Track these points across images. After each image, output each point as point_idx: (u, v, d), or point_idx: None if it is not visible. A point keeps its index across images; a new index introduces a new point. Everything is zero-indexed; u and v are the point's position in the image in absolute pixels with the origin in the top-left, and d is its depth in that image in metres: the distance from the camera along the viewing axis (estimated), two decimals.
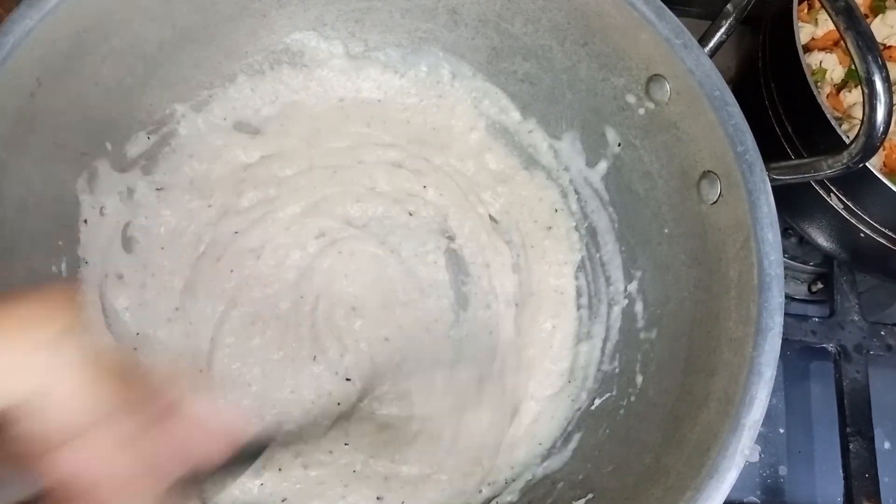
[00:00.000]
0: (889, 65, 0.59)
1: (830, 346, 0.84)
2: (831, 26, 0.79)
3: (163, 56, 0.69)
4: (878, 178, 0.66)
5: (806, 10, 0.82)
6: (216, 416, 0.39)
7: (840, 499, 0.77)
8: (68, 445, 0.33)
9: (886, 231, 0.73)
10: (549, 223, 0.80)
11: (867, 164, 0.60)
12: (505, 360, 0.76)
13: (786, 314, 0.55)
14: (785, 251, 0.88)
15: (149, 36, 0.67)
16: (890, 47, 0.80)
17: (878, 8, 0.81)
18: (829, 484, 0.84)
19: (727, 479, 0.52)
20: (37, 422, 0.33)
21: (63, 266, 0.67)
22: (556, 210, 0.80)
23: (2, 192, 0.59)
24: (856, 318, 0.86)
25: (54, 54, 0.60)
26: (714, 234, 0.62)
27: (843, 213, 0.75)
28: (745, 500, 0.83)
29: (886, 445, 0.86)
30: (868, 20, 0.80)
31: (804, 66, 0.70)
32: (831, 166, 0.58)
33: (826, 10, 0.54)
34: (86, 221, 0.68)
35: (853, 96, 0.77)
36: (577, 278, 0.79)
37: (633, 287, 0.73)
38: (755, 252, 0.57)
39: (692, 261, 0.65)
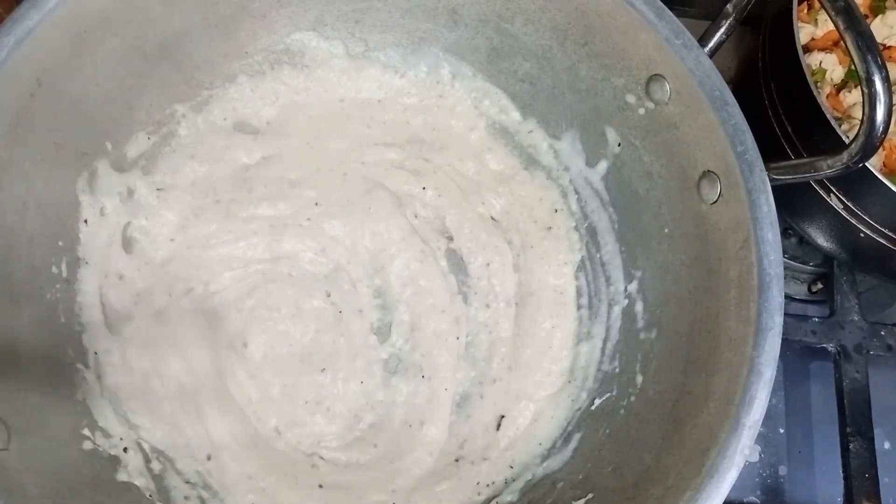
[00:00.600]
0: (889, 65, 0.59)
1: (830, 346, 0.84)
2: (831, 26, 0.79)
3: (163, 56, 0.69)
4: (878, 178, 0.66)
5: (806, 10, 0.82)
6: None
7: (840, 499, 0.77)
8: None
9: (886, 231, 0.73)
10: (549, 223, 0.80)
11: (867, 164, 0.60)
12: (503, 360, 0.76)
13: (786, 314, 0.55)
14: (785, 251, 0.88)
15: (149, 36, 0.67)
16: (890, 47, 0.80)
17: (878, 8, 0.81)
18: (829, 484, 0.84)
19: (727, 479, 0.52)
20: None
21: (63, 266, 0.67)
22: (556, 210, 0.80)
23: (2, 192, 0.59)
24: (856, 318, 0.86)
25: (54, 54, 0.60)
26: (714, 234, 0.62)
27: (843, 213, 0.75)
28: (745, 500, 0.83)
29: (886, 445, 0.86)
30: (868, 20, 0.80)
31: (804, 66, 0.70)
32: (831, 166, 0.58)
33: (826, 10, 0.54)
34: (86, 221, 0.68)
35: (853, 96, 0.77)
36: (577, 278, 0.79)
37: (633, 287, 0.73)
38: (755, 252, 0.57)
39: (692, 261, 0.65)
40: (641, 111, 0.68)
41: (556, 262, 0.79)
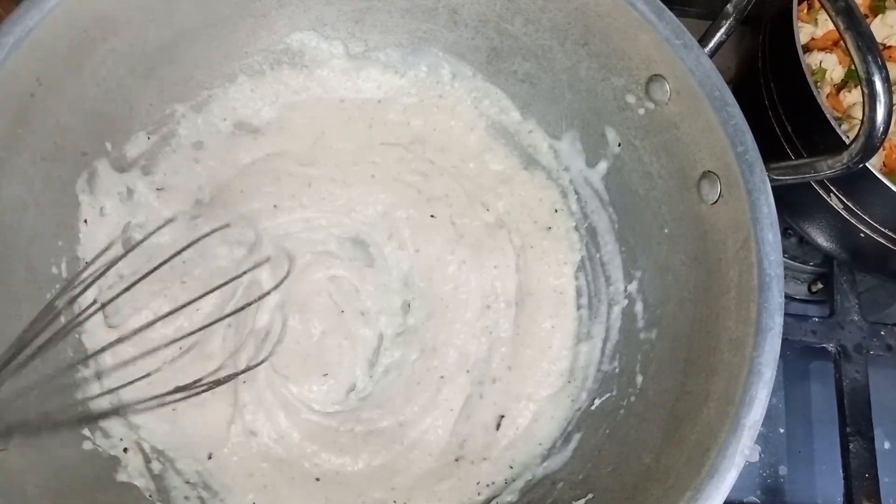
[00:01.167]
0: (889, 65, 0.59)
1: (830, 346, 0.84)
2: (831, 26, 0.79)
3: (163, 56, 0.69)
4: (878, 178, 0.66)
5: (806, 10, 0.82)
6: None
7: (840, 499, 0.77)
8: None
9: (886, 231, 0.73)
10: (549, 223, 0.80)
11: (867, 164, 0.60)
12: (503, 359, 0.76)
13: (786, 314, 0.55)
14: (785, 251, 0.88)
15: (149, 36, 0.67)
16: (890, 47, 0.80)
17: (878, 8, 0.81)
18: (829, 484, 0.84)
19: (727, 479, 0.52)
20: None
21: (63, 266, 0.66)
22: (556, 210, 0.80)
23: (2, 192, 0.59)
24: (856, 318, 0.86)
25: (54, 54, 0.60)
26: (714, 235, 0.62)
27: (843, 213, 0.75)
28: (745, 500, 0.83)
29: (886, 445, 0.86)
30: (868, 20, 0.80)
31: (804, 66, 0.70)
32: (831, 166, 0.58)
33: (826, 10, 0.54)
34: (86, 221, 0.68)
35: (853, 96, 0.77)
36: (576, 278, 0.79)
37: (633, 287, 0.73)
38: (755, 252, 0.57)
39: (692, 261, 0.65)
40: (641, 111, 0.68)
41: (556, 263, 0.79)
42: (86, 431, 0.64)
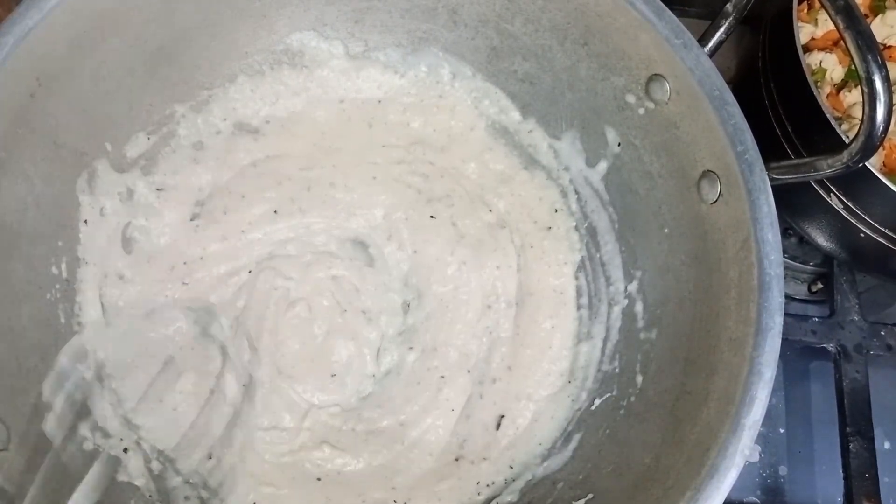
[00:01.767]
0: (889, 65, 0.59)
1: (830, 346, 0.84)
2: (831, 26, 0.79)
3: (163, 56, 0.69)
4: (878, 178, 0.66)
5: (806, 10, 0.82)
6: None
7: (840, 499, 0.77)
8: None
9: (886, 231, 0.73)
10: (549, 223, 0.80)
11: (867, 163, 0.60)
12: (503, 359, 0.76)
13: (786, 314, 0.55)
14: (785, 251, 0.88)
15: (149, 36, 0.67)
16: (890, 47, 0.80)
17: (878, 8, 0.81)
18: (829, 484, 0.84)
19: (727, 479, 0.52)
20: None
21: (63, 266, 0.67)
22: (556, 210, 0.80)
23: (2, 192, 0.59)
24: (856, 318, 0.86)
25: (54, 54, 0.60)
26: (714, 234, 0.62)
27: (843, 213, 0.74)
28: (745, 500, 0.83)
29: (886, 445, 0.86)
30: (868, 20, 0.80)
31: (804, 66, 0.70)
32: (831, 166, 0.58)
33: (826, 10, 0.54)
34: (86, 221, 0.68)
35: (853, 96, 0.77)
36: (577, 278, 0.79)
37: (633, 287, 0.73)
38: (755, 252, 0.57)
39: (692, 261, 0.65)
40: (641, 111, 0.68)
41: (556, 262, 0.79)
42: (86, 431, 0.64)
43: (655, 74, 0.65)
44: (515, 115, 0.80)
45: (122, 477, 0.64)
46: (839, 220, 0.76)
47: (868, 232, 0.74)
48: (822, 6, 0.55)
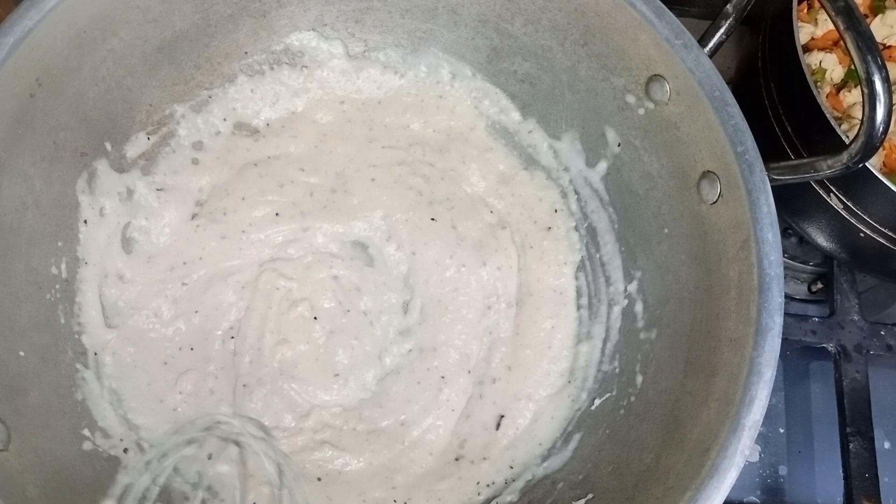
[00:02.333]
0: (889, 65, 0.59)
1: (830, 346, 0.84)
2: (831, 26, 0.79)
3: (163, 56, 0.69)
4: (878, 178, 0.66)
5: (806, 10, 0.82)
6: None
7: (840, 499, 0.77)
8: None
9: (886, 231, 0.73)
10: (549, 223, 0.80)
11: (867, 164, 0.60)
12: (503, 359, 0.76)
13: (786, 314, 0.55)
14: (785, 251, 0.88)
15: (149, 36, 0.67)
16: (890, 47, 0.80)
17: (878, 8, 0.81)
18: (829, 484, 0.84)
19: (727, 479, 0.52)
20: None
21: (63, 266, 0.67)
22: (556, 210, 0.80)
23: (2, 192, 0.59)
24: (856, 318, 0.86)
25: (54, 54, 0.60)
26: (714, 234, 0.62)
27: (843, 213, 0.75)
28: (745, 500, 0.83)
29: (886, 445, 0.86)
30: (868, 20, 0.80)
31: (804, 66, 0.70)
32: (831, 166, 0.58)
33: (826, 10, 0.54)
34: (86, 222, 0.68)
35: (853, 96, 0.77)
36: (576, 278, 0.79)
37: (633, 287, 0.73)
38: (755, 252, 0.57)
39: (692, 261, 0.65)
40: (641, 111, 0.68)
41: (556, 263, 0.79)
42: (86, 431, 0.64)
43: (655, 75, 0.65)
44: (515, 116, 0.80)
45: (122, 477, 0.64)
46: (839, 220, 0.76)
47: (868, 232, 0.74)
48: (822, 6, 0.55)
